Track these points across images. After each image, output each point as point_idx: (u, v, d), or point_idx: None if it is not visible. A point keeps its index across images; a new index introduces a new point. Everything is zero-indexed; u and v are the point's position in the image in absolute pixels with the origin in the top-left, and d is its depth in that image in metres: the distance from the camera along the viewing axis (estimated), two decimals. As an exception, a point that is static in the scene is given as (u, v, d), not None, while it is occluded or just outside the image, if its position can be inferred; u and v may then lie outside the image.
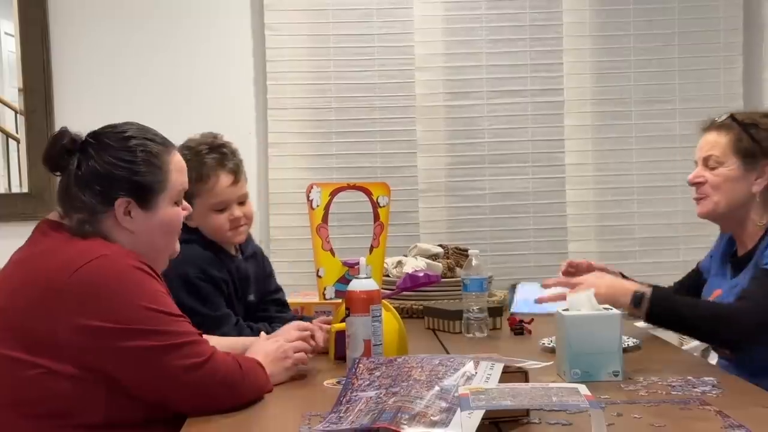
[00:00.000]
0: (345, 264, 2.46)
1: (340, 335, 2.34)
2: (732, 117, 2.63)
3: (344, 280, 2.42)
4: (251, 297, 2.83)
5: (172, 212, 2.10)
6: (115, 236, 2.03)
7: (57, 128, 3.79)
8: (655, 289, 2.47)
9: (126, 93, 3.95)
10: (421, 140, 4.04)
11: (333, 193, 2.53)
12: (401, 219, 4.02)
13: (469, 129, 4.05)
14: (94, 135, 2.06)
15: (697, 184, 2.65)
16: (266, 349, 2.20)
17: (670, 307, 2.45)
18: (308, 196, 2.50)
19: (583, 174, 4.08)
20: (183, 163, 2.14)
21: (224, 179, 2.72)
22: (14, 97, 3.99)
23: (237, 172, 2.76)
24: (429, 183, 4.05)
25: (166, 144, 2.11)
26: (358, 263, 2.34)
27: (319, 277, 2.48)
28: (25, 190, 3.95)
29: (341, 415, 1.85)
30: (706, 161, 2.63)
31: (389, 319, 2.39)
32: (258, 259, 2.93)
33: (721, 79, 4.05)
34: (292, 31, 3.98)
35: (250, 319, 2.78)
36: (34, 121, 3.91)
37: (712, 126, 2.66)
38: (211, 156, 2.72)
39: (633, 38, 4.06)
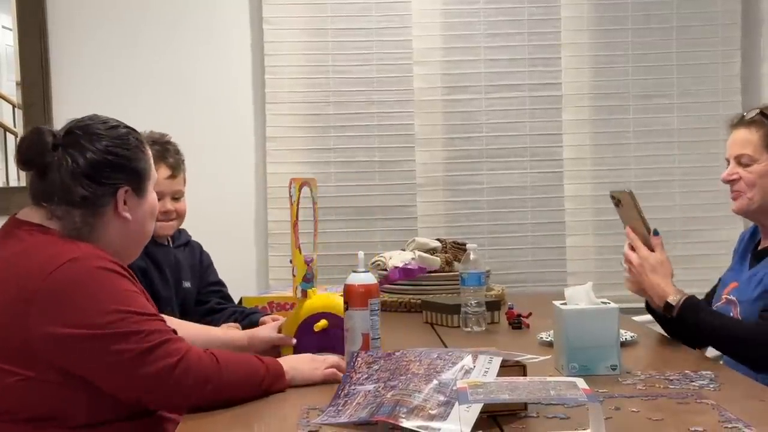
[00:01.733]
0: (304, 261, 2.42)
1: (304, 337, 2.32)
2: (762, 113, 2.61)
3: (306, 279, 2.40)
4: (187, 284, 2.97)
5: (154, 197, 2.15)
6: (109, 227, 2.02)
7: (56, 121, 3.85)
8: (687, 300, 2.48)
9: (124, 86, 3.95)
10: (419, 134, 4.04)
11: (300, 188, 2.48)
12: (399, 213, 4.03)
13: (467, 123, 4.05)
14: (79, 127, 2.04)
15: (731, 182, 2.64)
16: (301, 357, 2.20)
17: (693, 323, 2.46)
18: (289, 191, 2.48)
19: (581, 168, 4.08)
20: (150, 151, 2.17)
21: (162, 171, 2.84)
22: (12, 91, 3.99)
23: (176, 168, 2.91)
24: (427, 177, 4.05)
25: (141, 134, 2.15)
26: (312, 260, 2.34)
27: (294, 276, 2.44)
28: (23, 183, 3.95)
29: (340, 408, 1.86)
30: (738, 159, 2.62)
31: None
32: (194, 249, 3.09)
33: (719, 74, 4.05)
34: (290, 25, 3.98)
35: (191, 307, 2.96)
36: (32, 115, 3.91)
37: (741, 123, 2.64)
38: (154, 148, 2.76)
39: (631, 33, 4.06)
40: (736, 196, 2.64)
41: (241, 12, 4.01)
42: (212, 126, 3.97)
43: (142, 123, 3.81)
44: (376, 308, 2.26)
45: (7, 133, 4.04)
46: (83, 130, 2.03)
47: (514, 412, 1.84)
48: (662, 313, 2.52)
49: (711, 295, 2.78)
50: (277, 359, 2.12)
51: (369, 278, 2.28)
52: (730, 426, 1.75)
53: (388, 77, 4.02)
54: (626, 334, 2.55)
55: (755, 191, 2.60)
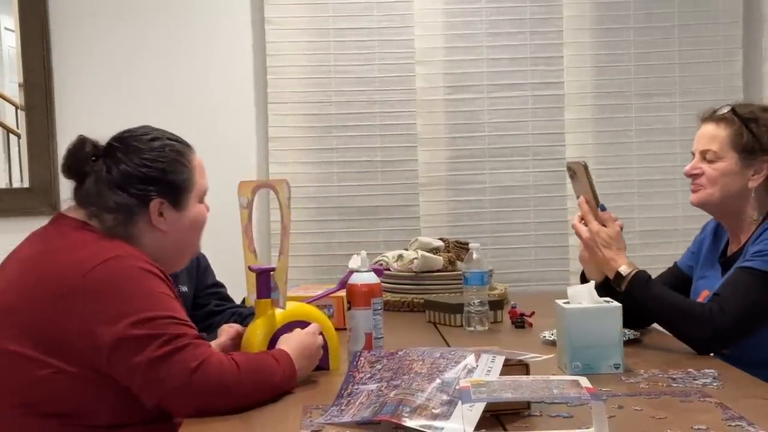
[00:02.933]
0: (252, 269, 2.26)
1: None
2: (733, 110, 2.60)
3: (271, 288, 2.26)
4: (184, 288, 2.88)
5: (200, 209, 2.16)
6: (146, 237, 2.06)
7: (57, 123, 3.87)
8: (639, 273, 2.48)
9: (126, 87, 3.95)
10: (422, 134, 4.04)
11: (254, 191, 2.32)
12: (402, 213, 4.03)
13: (470, 123, 4.05)
14: (119, 139, 2.10)
15: (693, 176, 2.64)
16: (303, 341, 2.15)
17: (642, 296, 2.46)
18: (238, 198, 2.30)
19: (584, 167, 4.07)
20: (202, 162, 2.19)
21: None
22: (15, 93, 3.99)
23: None
24: (429, 177, 4.05)
25: (186, 144, 2.17)
26: (264, 270, 2.24)
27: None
28: (26, 185, 3.95)
29: (343, 408, 1.86)
30: (703, 154, 2.62)
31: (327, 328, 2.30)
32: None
33: (720, 73, 4.05)
34: (292, 25, 3.98)
35: (188, 311, 2.84)
36: (34, 117, 3.91)
37: (712, 117, 2.64)
38: None
39: (633, 31, 4.05)
40: (696, 188, 2.64)
41: (242, 13, 4.01)
42: (214, 126, 3.97)
43: (144, 123, 3.83)
44: (379, 308, 2.26)
45: (10, 134, 4.04)
46: (122, 142, 2.09)
47: (518, 411, 1.85)
48: (612, 285, 2.50)
49: (666, 276, 2.78)
50: (287, 354, 2.08)
51: (372, 278, 2.28)
52: (733, 424, 1.75)
53: (390, 77, 4.02)
54: (629, 333, 2.55)
55: (716, 188, 2.59)
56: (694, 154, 2.66)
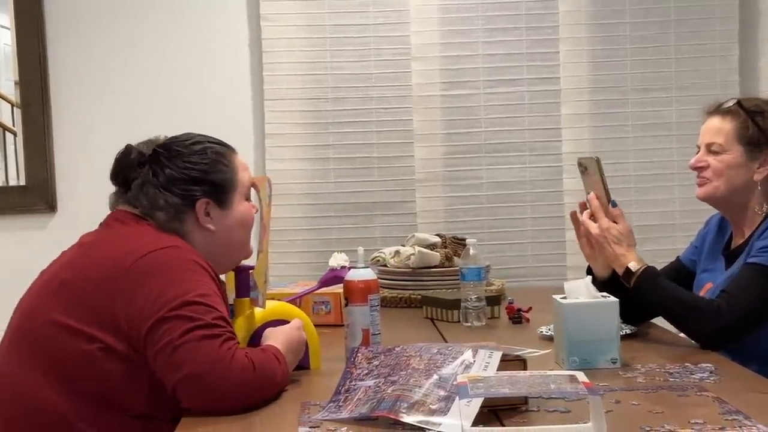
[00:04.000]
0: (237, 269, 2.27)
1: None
2: (739, 103, 2.60)
3: (251, 287, 2.25)
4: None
5: (246, 207, 2.24)
6: (195, 237, 2.14)
7: (54, 120, 3.86)
8: (648, 269, 2.48)
9: (122, 84, 3.95)
10: (418, 130, 4.04)
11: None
12: (399, 209, 4.02)
13: (466, 118, 4.05)
14: (163, 146, 2.19)
15: (698, 168, 2.64)
16: (290, 336, 2.15)
17: (651, 289, 2.46)
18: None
19: (580, 162, 4.08)
20: (245, 162, 2.28)
21: None
22: (10, 90, 3.98)
23: None
24: (426, 173, 4.05)
25: (227, 145, 2.26)
26: (243, 269, 2.24)
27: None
28: (23, 182, 3.95)
29: (340, 404, 1.86)
30: (709, 147, 2.61)
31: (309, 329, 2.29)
32: None
33: (717, 67, 4.05)
34: (288, 22, 3.98)
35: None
36: (30, 114, 3.91)
37: (717, 111, 2.64)
38: None
39: (629, 26, 4.05)
40: (702, 182, 2.64)
41: (238, 9, 4.00)
42: (211, 123, 3.90)
43: (140, 120, 3.85)
44: (376, 304, 2.26)
45: (6, 132, 4.04)
46: (166, 148, 2.18)
47: (515, 406, 1.85)
48: (622, 281, 2.50)
49: (668, 270, 2.78)
50: (281, 351, 2.08)
51: (369, 274, 2.29)
52: (730, 418, 1.75)
53: (386, 73, 4.01)
54: (626, 328, 2.55)
55: (722, 181, 2.59)
56: (699, 148, 2.66)
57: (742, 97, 2.67)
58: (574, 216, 2.64)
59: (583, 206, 2.61)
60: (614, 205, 2.53)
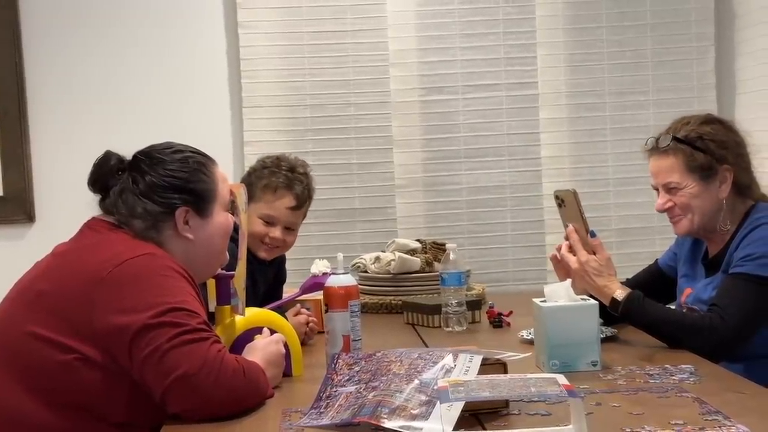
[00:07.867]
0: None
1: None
2: (675, 138, 2.60)
3: (232, 295, 2.25)
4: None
5: (225, 217, 2.22)
6: (172, 246, 2.11)
7: (31, 130, 3.84)
8: (631, 294, 2.46)
9: (100, 93, 3.94)
10: (397, 136, 4.05)
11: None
12: (379, 215, 4.03)
13: (445, 124, 4.06)
14: (143, 153, 2.17)
15: (667, 210, 2.65)
16: (269, 351, 2.15)
17: (641, 315, 2.46)
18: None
19: (559, 167, 4.09)
20: (225, 174, 2.26)
21: (287, 200, 2.89)
22: (-13, 101, 3.96)
23: (301, 200, 2.91)
24: (406, 178, 4.06)
25: (207, 156, 2.24)
26: (224, 277, 2.24)
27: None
28: (0, 193, 3.93)
29: (322, 410, 1.86)
30: (667, 187, 2.62)
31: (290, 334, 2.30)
32: (276, 266, 3.10)
33: (693, 70, 4.07)
34: (265, 30, 3.98)
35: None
36: (7, 124, 3.88)
37: (658, 150, 2.64)
38: (287, 173, 2.90)
39: (606, 30, 4.07)
40: (677, 220, 2.65)
41: (216, 18, 4.00)
42: (189, 131, 3.90)
43: (118, 129, 3.83)
44: (357, 310, 2.26)
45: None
46: (146, 155, 2.17)
47: (496, 409, 1.85)
48: (609, 310, 2.50)
49: (647, 280, 2.79)
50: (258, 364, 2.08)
51: (349, 280, 2.28)
52: (710, 418, 1.76)
53: (364, 79, 4.02)
54: (606, 330, 2.56)
55: (693, 212, 2.61)
56: (657, 189, 2.67)
57: (673, 127, 2.66)
58: (555, 259, 2.62)
59: (560, 248, 2.60)
60: (593, 235, 2.53)
